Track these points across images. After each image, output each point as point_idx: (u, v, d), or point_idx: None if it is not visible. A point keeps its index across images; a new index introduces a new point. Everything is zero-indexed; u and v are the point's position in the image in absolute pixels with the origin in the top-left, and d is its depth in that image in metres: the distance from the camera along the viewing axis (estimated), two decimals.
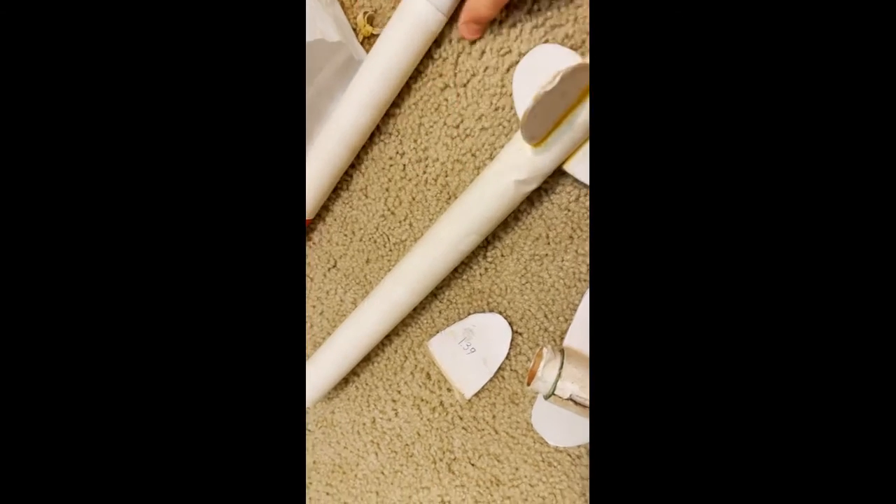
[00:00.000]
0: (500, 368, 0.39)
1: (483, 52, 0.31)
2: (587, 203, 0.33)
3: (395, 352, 0.42)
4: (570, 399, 0.31)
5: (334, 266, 0.41)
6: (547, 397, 0.31)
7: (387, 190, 0.37)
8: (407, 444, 0.44)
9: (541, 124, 0.26)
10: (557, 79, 0.22)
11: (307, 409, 0.47)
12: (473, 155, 0.34)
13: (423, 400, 0.42)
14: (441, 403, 0.42)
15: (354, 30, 0.33)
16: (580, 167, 0.29)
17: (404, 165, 0.36)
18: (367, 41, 0.34)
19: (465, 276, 0.38)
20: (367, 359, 0.43)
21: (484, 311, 0.38)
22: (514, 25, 0.30)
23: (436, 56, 0.32)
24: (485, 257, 0.36)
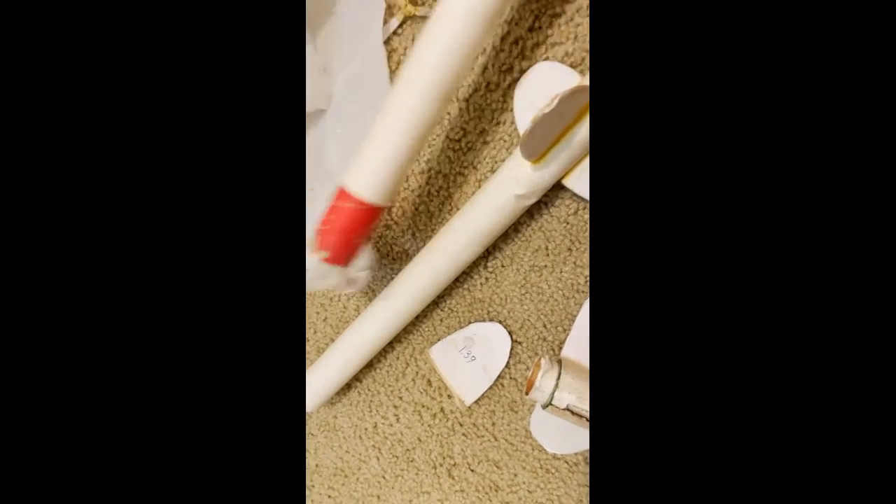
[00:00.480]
0: (499, 376, 0.39)
1: (485, 69, 0.32)
2: (585, 216, 0.33)
3: (397, 358, 0.43)
4: (568, 409, 0.31)
5: None
6: (544, 407, 0.32)
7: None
8: (408, 450, 0.45)
9: (539, 143, 0.26)
10: (556, 101, 0.23)
11: (311, 414, 0.47)
12: (475, 168, 0.35)
13: (423, 406, 0.43)
14: (441, 410, 0.43)
15: (392, 9, 0.31)
16: (578, 182, 0.30)
17: (408, 177, 0.37)
18: (409, 22, 0.31)
19: (466, 286, 0.38)
20: (370, 365, 0.43)
21: (484, 320, 0.39)
22: (515, 43, 0.31)
23: None
24: (485, 267, 0.37)
